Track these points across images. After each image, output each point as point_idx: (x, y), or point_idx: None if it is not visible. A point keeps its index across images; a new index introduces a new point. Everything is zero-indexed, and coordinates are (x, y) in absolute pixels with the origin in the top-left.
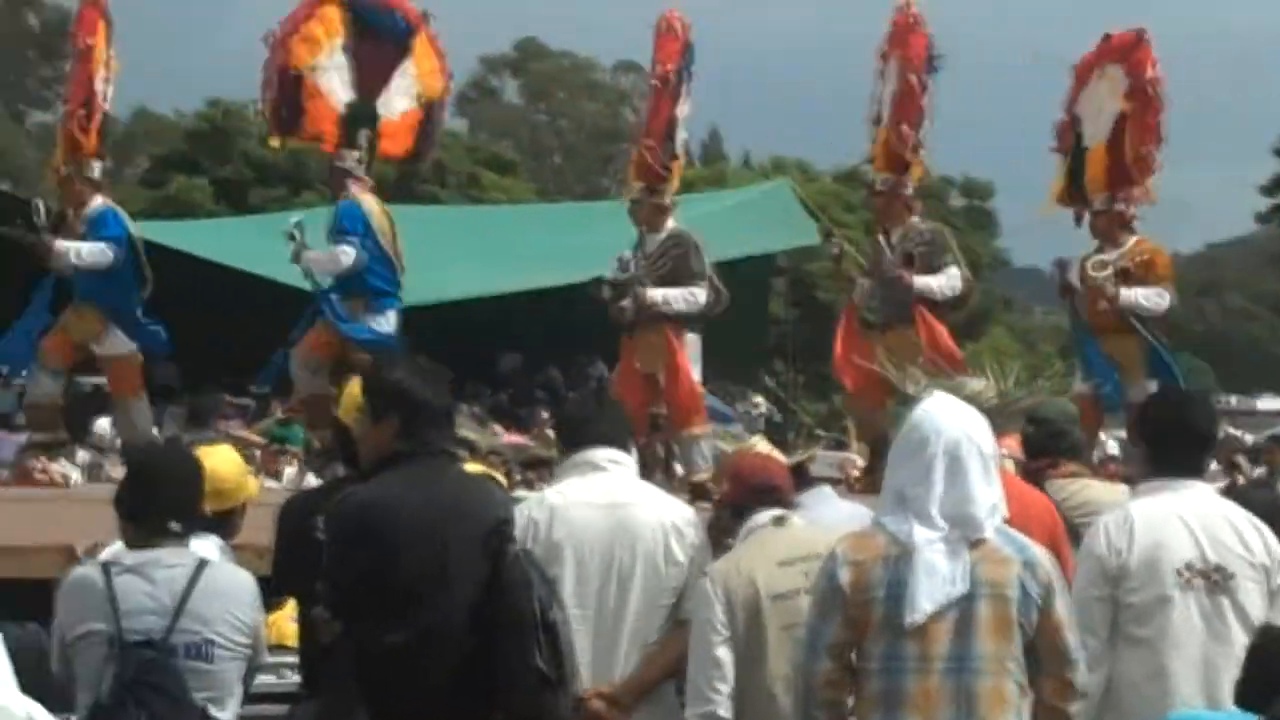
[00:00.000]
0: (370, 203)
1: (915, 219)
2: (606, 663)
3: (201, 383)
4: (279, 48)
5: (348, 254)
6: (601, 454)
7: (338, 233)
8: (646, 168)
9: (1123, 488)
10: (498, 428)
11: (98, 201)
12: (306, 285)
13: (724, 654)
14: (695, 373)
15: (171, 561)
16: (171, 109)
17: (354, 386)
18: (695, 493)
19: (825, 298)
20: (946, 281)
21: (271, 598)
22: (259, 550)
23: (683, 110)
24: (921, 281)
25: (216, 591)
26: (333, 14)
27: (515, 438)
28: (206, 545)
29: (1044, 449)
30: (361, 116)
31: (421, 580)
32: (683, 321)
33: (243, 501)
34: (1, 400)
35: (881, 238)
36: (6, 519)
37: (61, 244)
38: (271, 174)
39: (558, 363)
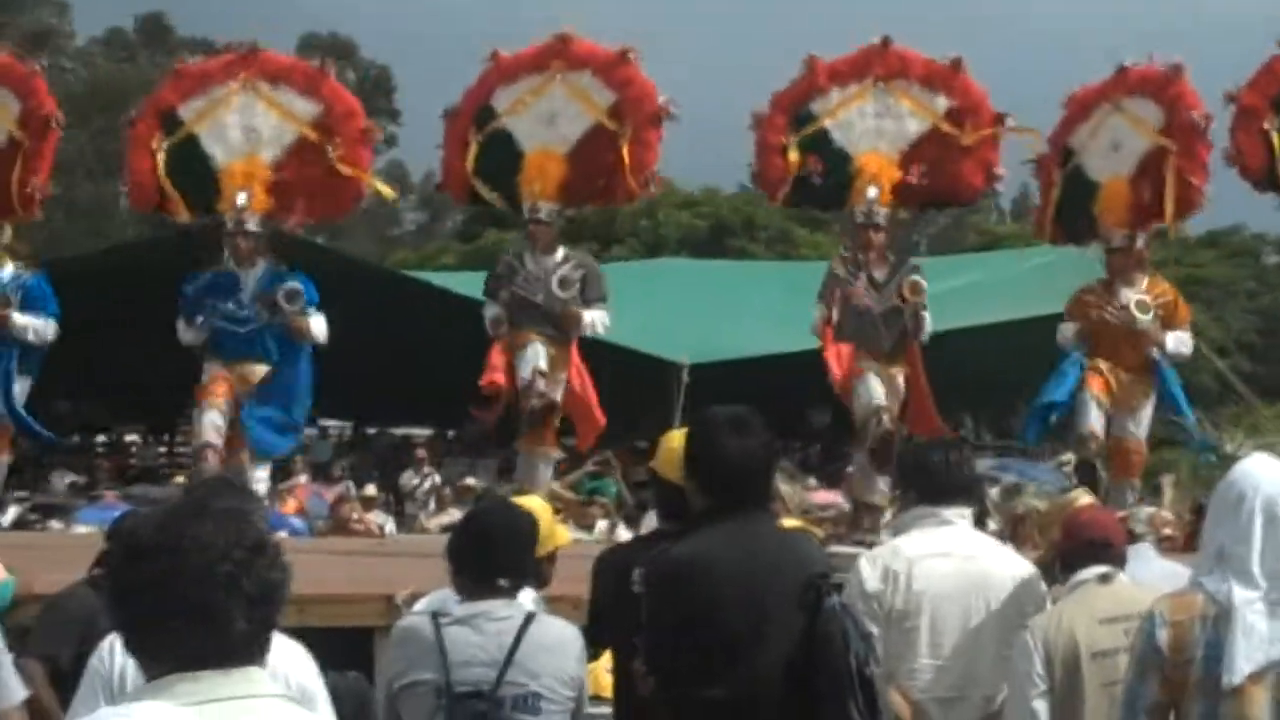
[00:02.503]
0: None
1: None
2: (954, 712)
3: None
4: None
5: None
6: (950, 510)
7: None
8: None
9: None
10: (812, 481)
11: None
12: (620, 341)
13: (1041, 706)
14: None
15: (501, 614)
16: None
17: (672, 440)
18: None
19: None
20: None
21: (588, 649)
22: (574, 602)
23: None
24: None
25: (544, 645)
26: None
27: (825, 493)
28: (524, 596)
29: None
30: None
31: (739, 635)
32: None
33: (553, 550)
34: (318, 450)
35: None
36: (325, 568)
37: None
38: (580, 229)
39: None
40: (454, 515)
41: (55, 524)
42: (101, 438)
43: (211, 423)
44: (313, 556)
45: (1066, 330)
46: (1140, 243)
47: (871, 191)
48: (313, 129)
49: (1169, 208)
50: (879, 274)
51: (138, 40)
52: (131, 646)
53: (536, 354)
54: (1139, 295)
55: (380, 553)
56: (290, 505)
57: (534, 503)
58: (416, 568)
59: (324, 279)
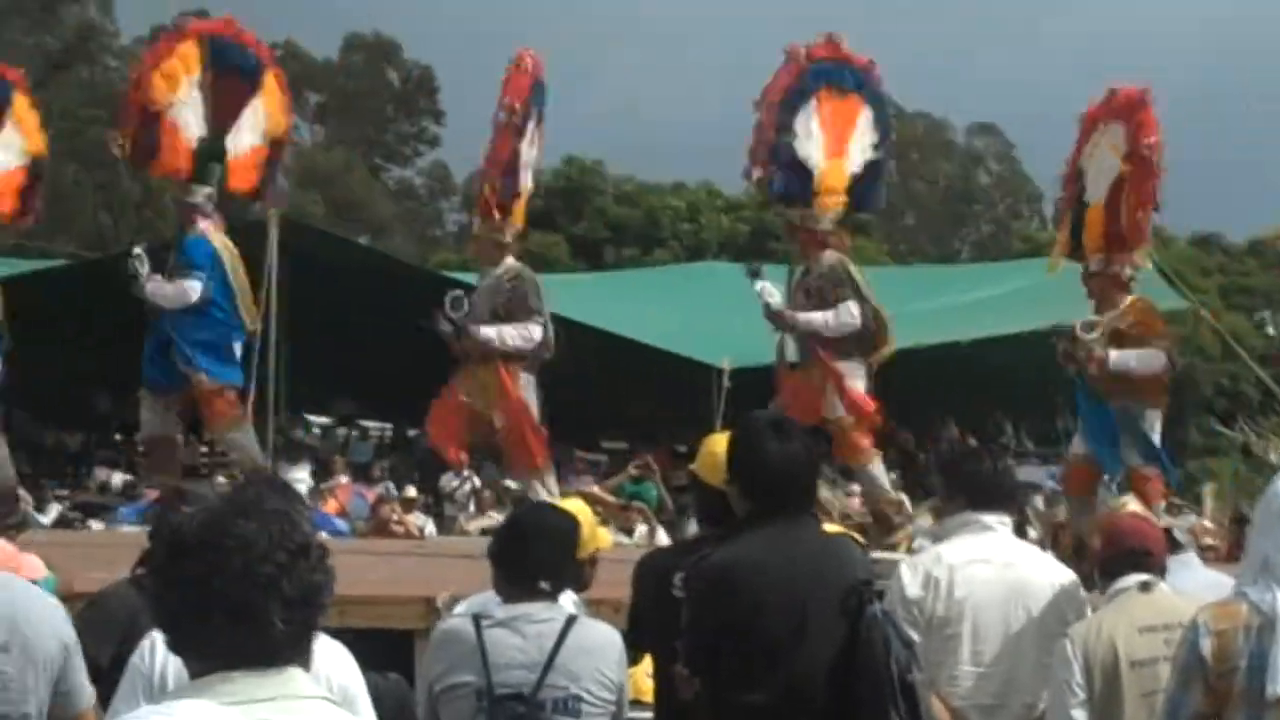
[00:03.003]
0: (219, 239)
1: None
2: (995, 719)
3: (553, 438)
4: (139, 84)
5: (194, 288)
6: (993, 517)
7: (184, 267)
8: (484, 204)
9: None
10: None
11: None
12: (661, 344)
13: (1080, 715)
14: (534, 412)
15: (542, 616)
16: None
17: (714, 445)
18: None
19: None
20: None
21: (628, 653)
22: (615, 605)
23: (529, 149)
24: (805, 316)
25: (585, 648)
26: (190, 50)
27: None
28: (565, 599)
29: None
30: (213, 152)
31: (781, 640)
32: (517, 359)
33: (594, 553)
34: (359, 451)
35: None
36: (366, 570)
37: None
38: (626, 232)
39: (909, 424)
40: (494, 518)
41: (96, 523)
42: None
43: None
44: (353, 558)
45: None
46: (1116, 266)
47: (839, 196)
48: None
49: (1127, 237)
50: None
51: None
52: (174, 644)
53: (467, 389)
54: (1093, 318)
55: (420, 554)
56: (332, 506)
57: (575, 505)
58: (456, 570)
59: (366, 279)
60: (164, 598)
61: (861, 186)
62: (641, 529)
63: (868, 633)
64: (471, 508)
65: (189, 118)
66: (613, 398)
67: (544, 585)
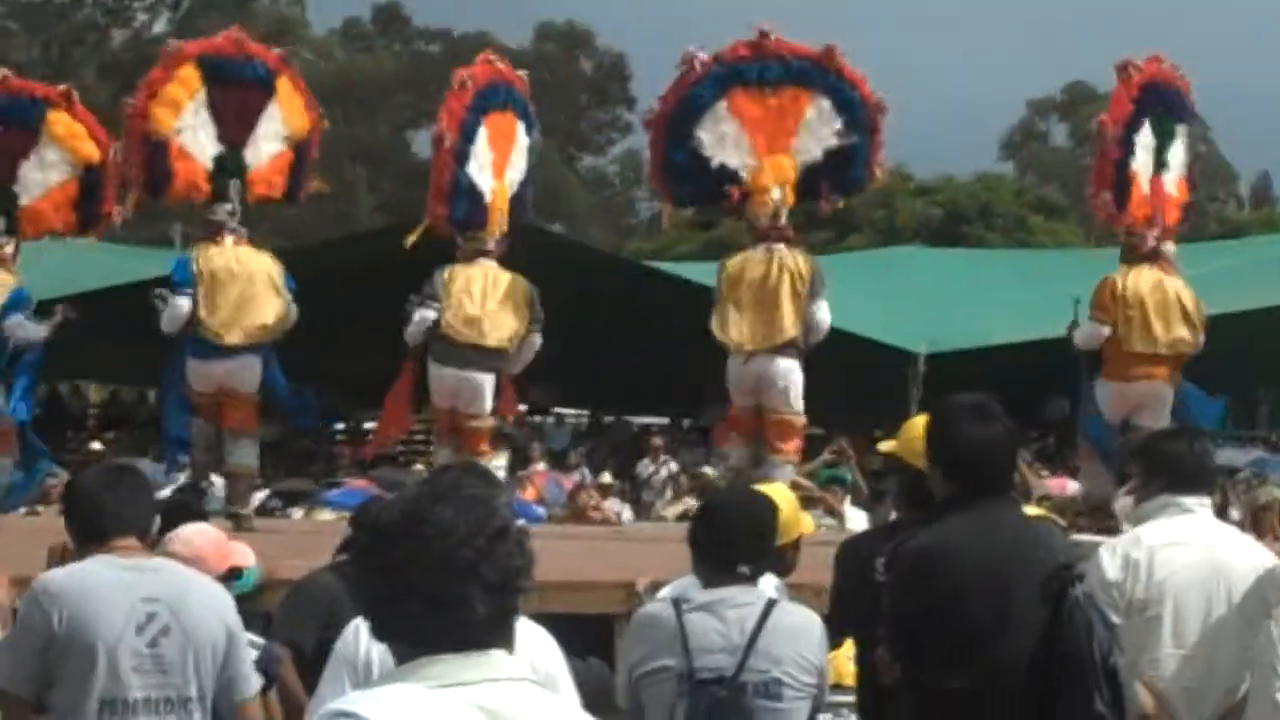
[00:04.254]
0: (228, 254)
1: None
2: (1198, 703)
3: None
4: (139, 116)
5: (179, 304)
6: (1192, 499)
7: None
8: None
9: None
10: (1044, 472)
11: None
12: (856, 330)
13: None
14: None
15: (742, 600)
16: None
17: (915, 427)
18: None
19: None
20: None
21: (830, 637)
22: (816, 589)
23: (486, 153)
24: None
25: (786, 631)
26: (189, 73)
27: (1058, 481)
28: (766, 582)
29: None
30: (230, 168)
31: (983, 624)
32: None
33: (796, 538)
34: (555, 438)
35: None
36: (564, 555)
37: None
38: (819, 217)
39: None
40: (689, 504)
41: (297, 511)
42: (340, 425)
43: None
44: (552, 543)
45: None
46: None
47: (775, 192)
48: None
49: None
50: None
51: (374, 30)
52: (377, 630)
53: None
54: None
55: (618, 539)
56: (529, 493)
57: (775, 490)
58: (654, 555)
59: (561, 269)
60: (366, 585)
61: (829, 172)
62: (847, 511)
63: (1069, 617)
64: (668, 493)
65: (200, 139)
66: (808, 383)
67: (743, 569)
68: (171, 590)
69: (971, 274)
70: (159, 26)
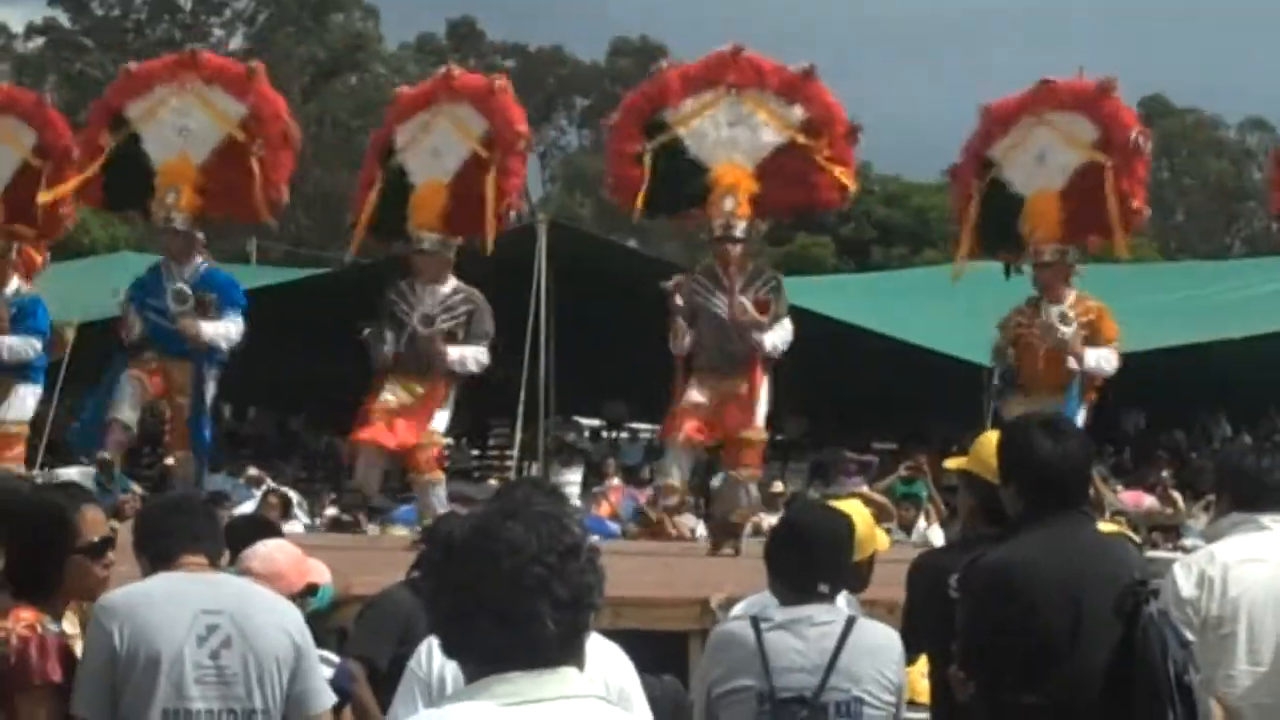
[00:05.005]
0: None
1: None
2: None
3: (824, 439)
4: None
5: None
6: (1268, 515)
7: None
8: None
9: None
10: (1119, 486)
11: None
12: (930, 344)
13: None
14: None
15: (822, 618)
16: None
17: (989, 441)
18: None
19: None
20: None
21: (904, 653)
22: (889, 606)
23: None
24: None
25: (866, 649)
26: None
27: (1133, 495)
28: (840, 600)
29: None
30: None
31: (1057, 641)
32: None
33: (871, 555)
34: (629, 453)
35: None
36: (638, 571)
37: None
38: (893, 232)
39: (1181, 422)
40: (764, 519)
41: (371, 526)
42: None
43: (130, 395)
44: (626, 559)
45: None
46: (1070, 258)
47: (728, 203)
48: (240, 129)
49: (1114, 226)
50: (737, 284)
51: (448, 45)
52: (447, 648)
53: (389, 396)
54: (1062, 309)
55: (692, 556)
56: (604, 508)
57: (852, 507)
58: (727, 571)
59: (634, 282)
60: (437, 602)
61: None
62: (920, 526)
63: (1144, 633)
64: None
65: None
66: (882, 399)
67: (822, 587)
68: (233, 602)
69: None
70: (235, 42)
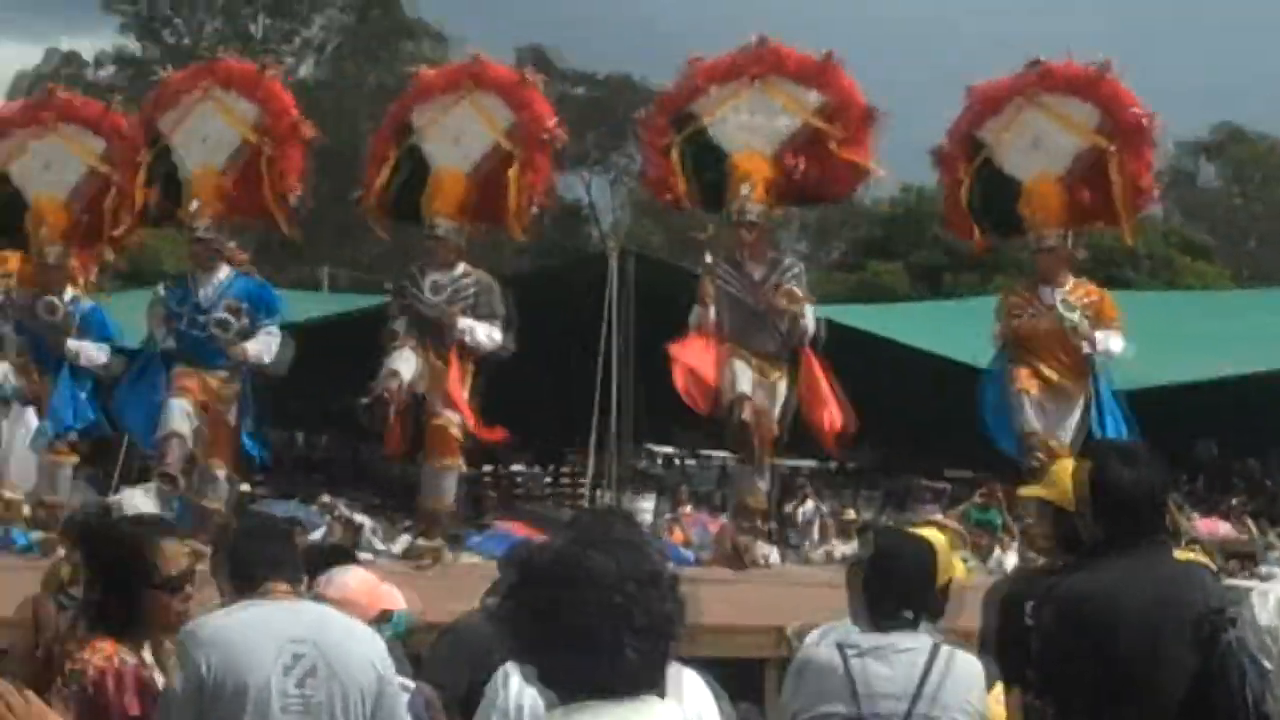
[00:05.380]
0: None
1: None
2: None
3: (897, 467)
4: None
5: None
6: None
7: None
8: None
9: None
10: (1194, 514)
11: None
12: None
13: None
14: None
15: (908, 645)
16: (868, 196)
17: (1062, 471)
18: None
19: None
20: None
21: None
22: (964, 634)
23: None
24: None
25: (952, 676)
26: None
27: (1208, 523)
28: (923, 627)
29: None
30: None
31: (1134, 668)
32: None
33: (948, 581)
34: (701, 479)
35: None
36: (712, 598)
37: None
38: (965, 258)
39: (1254, 449)
40: (837, 546)
41: (445, 552)
42: (488, 467)
43: (181, 409)
44: (700, 586)
45: (995, 330)
46: (1070, 243)
47: (744, 189)
48: (253, 131)
49: (1121, 210)
50: (756, 273)
51: None
52: (529, 674)
53: (404, 359)
54: (1064, 294)
55: (766, 582)
56: (677, 535)
57: (931, 534)
58: (802, 598)
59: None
60: (518, 629)
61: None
62: (996, 554)
63: (1221, 662)
64: (815, 534)
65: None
66: (956, 425)
67: (907, 614)
68: (319, 631)
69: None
70: (305, 69)
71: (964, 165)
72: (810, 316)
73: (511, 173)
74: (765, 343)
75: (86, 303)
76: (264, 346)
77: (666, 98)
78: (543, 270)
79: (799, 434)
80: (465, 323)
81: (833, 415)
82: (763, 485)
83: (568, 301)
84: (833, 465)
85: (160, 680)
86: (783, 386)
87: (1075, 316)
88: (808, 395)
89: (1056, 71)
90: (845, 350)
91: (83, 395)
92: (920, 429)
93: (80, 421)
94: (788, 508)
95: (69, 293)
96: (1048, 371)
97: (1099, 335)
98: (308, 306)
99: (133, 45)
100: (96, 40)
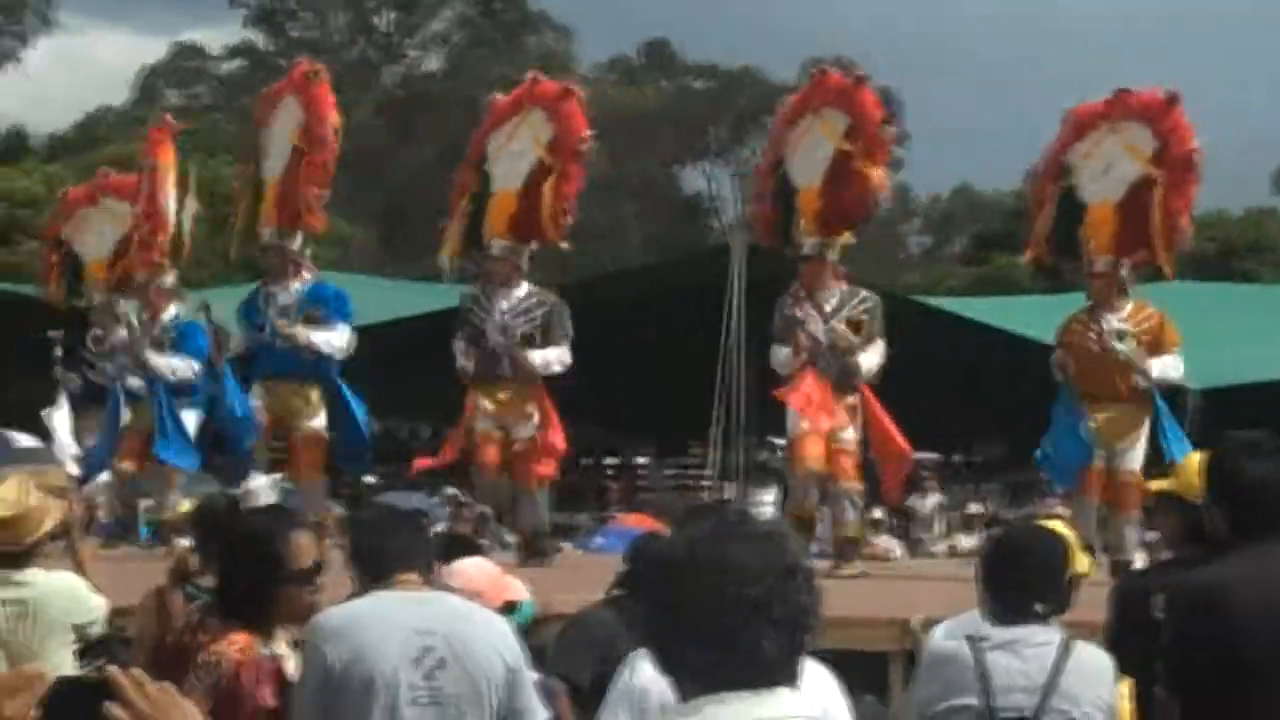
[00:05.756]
0: None
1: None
2: None
3: (1021, 460)
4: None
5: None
6: None
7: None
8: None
9: None
10: None
11: None
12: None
13: None
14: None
15: (1039, 639)
16: (991, 187)
17: (1190, 465)
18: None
19: None
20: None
21: None
22: (1091, 628)
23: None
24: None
25: (1084, 671)
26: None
27: None
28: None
29: None
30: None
31: (1263, 663)
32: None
33: (1073, 575)
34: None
35: None
36: (835, 591)
37: None
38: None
39: None
40: (959, 540)
41: (567, 544)
42: (610, 460)
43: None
44: (823, 579)
45: (1055, 358)
46: (1124, 269)
47: (801, 223)
48: (299, 137)
49: (1157, 244)
50: (827, 305)
51: (643, 66)
52: (662, 666)
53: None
54: (1119, 323)
55: (890, 575)
56: None
57: (1059, 527)
58: (926, 591)
59: None
60: (651, 621)
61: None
62: None
63: None
64: (936, 528)
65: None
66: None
67: (1039, 608)
68: (448, 623)
69: (1244, 309)
70: (431, 63)
71: (1051, 188)
72: (869, 355)
73: (548, 184)
74: (831, 372)
75: (185, 320)
76: (323, 339)
77: (769, 142)
78: (664, 263)
79: (921, 425)
80: (539, 358)
81: (897, 468)
82: (852, 515)
83: (689, 294)
84: (955, 458)
85: (292, 672)
86: (856, 402)
87: (1127, 348)
88: (874, 442)
89: (1135, 98)
90: (964, 344)
91: (188, 429)
92: (1042, 421)
93: (184, 464)
94: (910, 501)
95: (171, 310)
96: (1108, 404)
97: (1154, 364)
98: (428, 300)
99: (257, 38)
100: (220, 34)
